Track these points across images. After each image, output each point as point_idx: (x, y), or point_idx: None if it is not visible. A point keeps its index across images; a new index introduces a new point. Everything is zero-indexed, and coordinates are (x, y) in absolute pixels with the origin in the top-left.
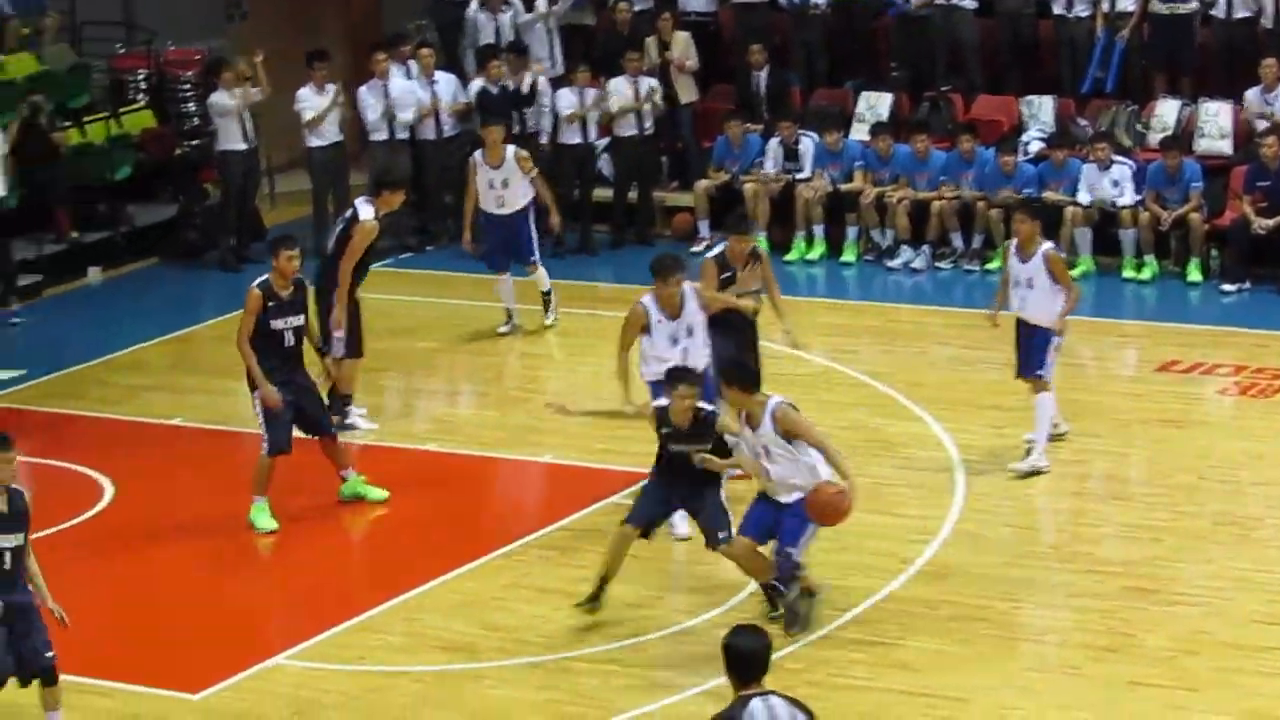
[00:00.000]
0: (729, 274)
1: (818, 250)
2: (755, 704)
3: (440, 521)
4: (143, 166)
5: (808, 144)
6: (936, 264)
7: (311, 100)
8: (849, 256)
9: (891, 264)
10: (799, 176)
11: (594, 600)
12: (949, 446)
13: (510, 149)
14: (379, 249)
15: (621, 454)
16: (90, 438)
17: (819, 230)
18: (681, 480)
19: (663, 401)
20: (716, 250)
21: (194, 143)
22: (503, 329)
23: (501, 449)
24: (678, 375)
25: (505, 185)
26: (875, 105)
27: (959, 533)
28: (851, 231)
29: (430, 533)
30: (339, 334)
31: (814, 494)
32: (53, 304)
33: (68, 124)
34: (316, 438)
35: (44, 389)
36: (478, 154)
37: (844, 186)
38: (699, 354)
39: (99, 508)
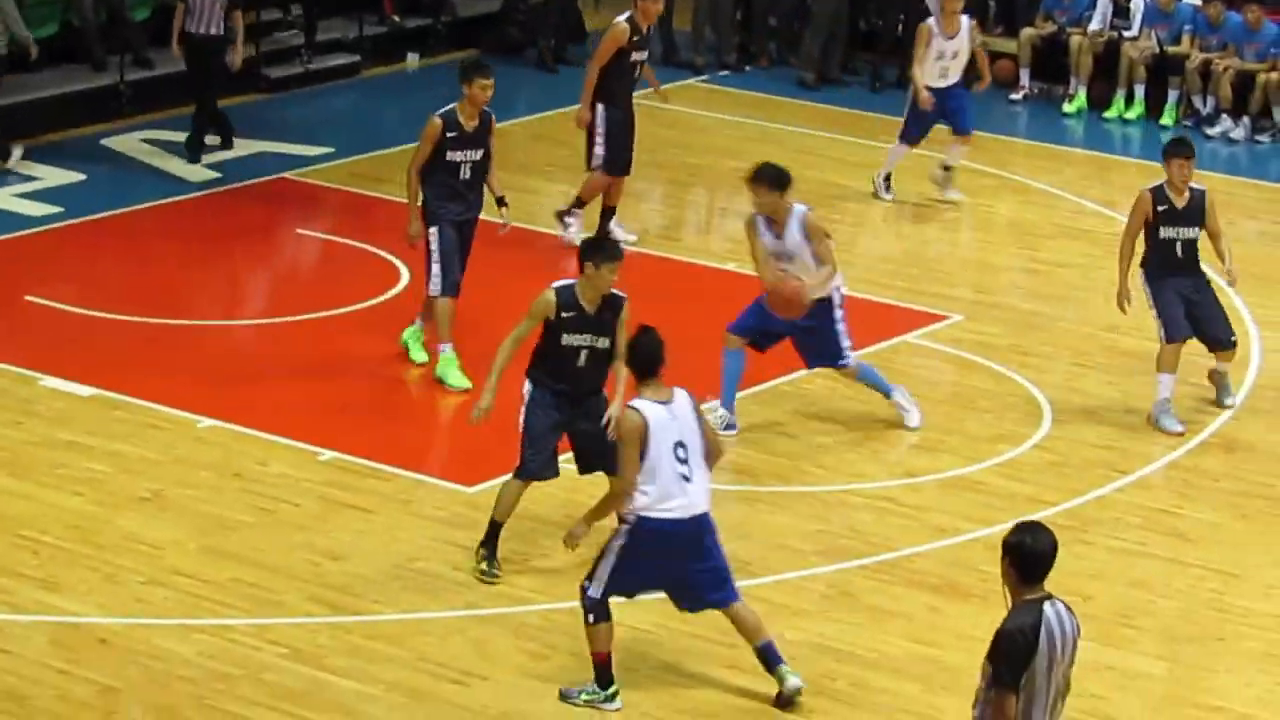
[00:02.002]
0: None
1: (1136, 110)
2: (1048, 609)
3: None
4: None
5: (1138, 2)
6: (1256, 137)
7: None
8: (1167, 120)
9: (1210, 132)
10: (1126, 34)
11: (491, 557)
12: (1247, 320)
13: (966, 20)
14: (630, 59)
15: (918, 294)
16: (392, 221)
17: (1140, 90)
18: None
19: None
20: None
21: None
22: (886, 196)
23: None
24: (601, 246)
25: (954, 57)
26: None
27: (1250, 408)
28: (1173, 95)
29: (716, 353)
30: (598, 145)
31: (779, 286)
32: (368, 85)
33: None
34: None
35: (350, 168)
36: (931, 21)
37: (1170, 49)
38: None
39: (394, 291)
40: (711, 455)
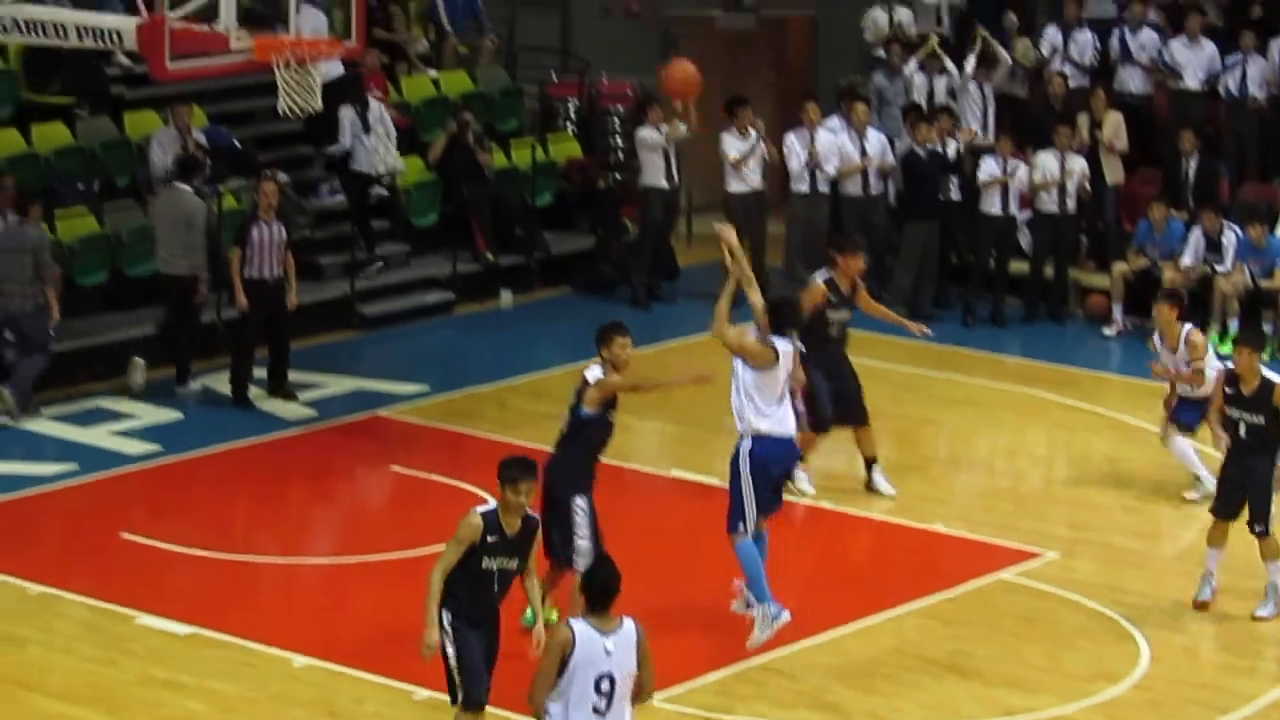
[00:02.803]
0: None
1: (1230, 344)
2: None
3: (825, 578)
4: (564, 195)
5: (1231, 236)
6: None
7: (734, 144)
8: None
9: None
10: (1219, 268)
11: None
12: None
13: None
14: (828, 318)
15: (1012, 530)
16: (486, 459)
17: (1234, 324)
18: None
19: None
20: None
21: (617, 176)
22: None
23: (893, 514)
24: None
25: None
26: None
27: None
28: (1267, 328)
29: (815, 588)
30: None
31: None
32: (462, 322)
33: (494, 145)
34: None
35: (444, 406)
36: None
37: (1264, 283)
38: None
39: None
40: (642, 694)
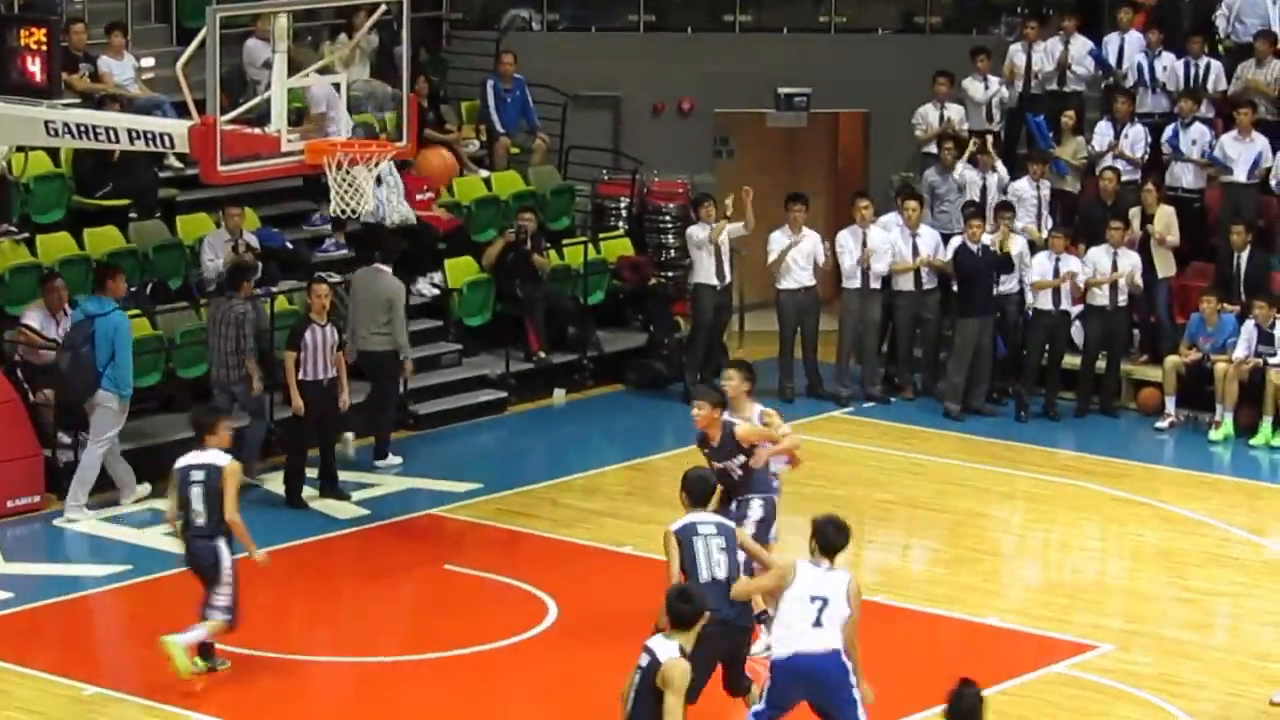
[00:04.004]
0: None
1: None
2: None
3: (878, 672)
4: (616, 293)
5: None
6: None
7: (781, 242)
8: None
9: None
10: (1272, 360)
11: None
12: None
13: None
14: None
15: (1066, 623)
16: (539, 557)
17: None
18: None
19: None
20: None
21: (670, 274)
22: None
23: (947, 606)
24: None
25: None
26: None
27: None
28: None
29: (872, 682)
30: None
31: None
32: (516, 421)
33: (548, 245)
34: None
35: (499, 504)
36: None
37: None
38: None
39: (541, 627)
40: None
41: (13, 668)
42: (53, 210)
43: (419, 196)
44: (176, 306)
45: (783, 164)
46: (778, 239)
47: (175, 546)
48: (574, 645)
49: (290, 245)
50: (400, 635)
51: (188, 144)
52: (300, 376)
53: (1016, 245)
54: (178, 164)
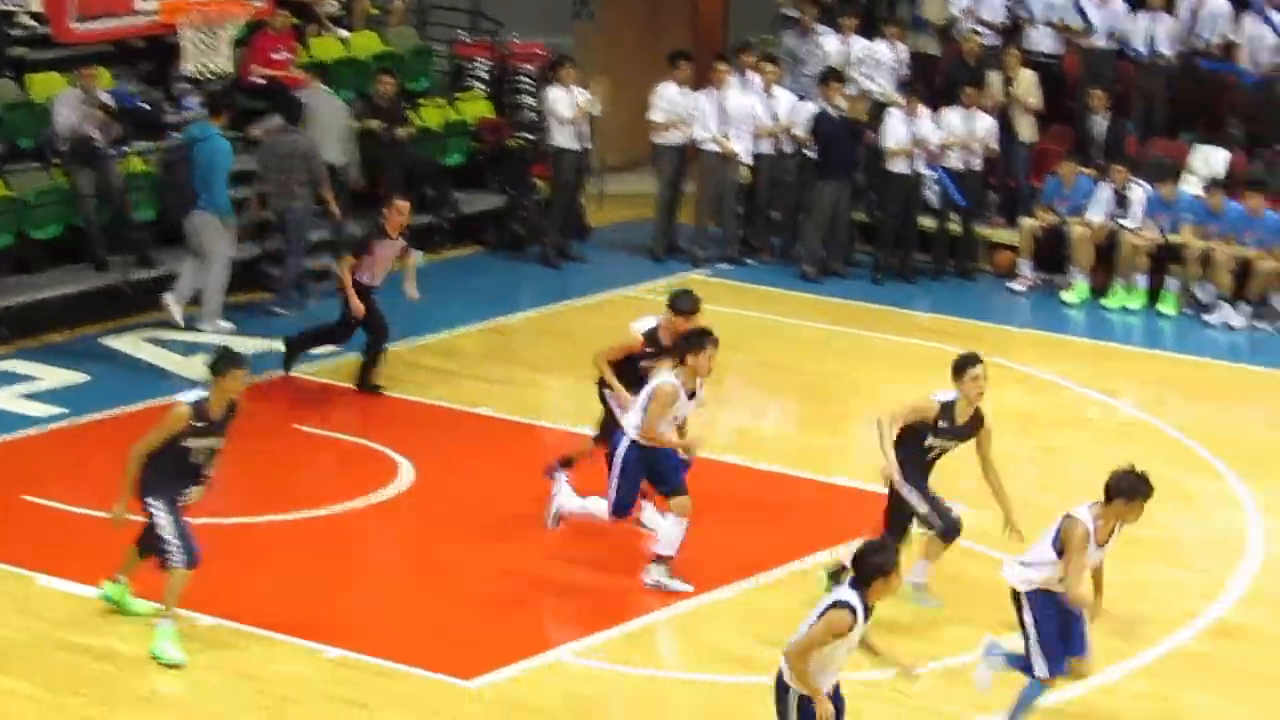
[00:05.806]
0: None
1: (1138, 299)
2: None
3: (731, 534)
4: (474, 155)
5: (1139, 192)
6: (1255, 323)
7: (671, 98)
8: (1168, 308)
9: (1209, 319)
10: (1126, 224)
11: None
12: (1248, 508)
13: None
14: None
15: None
16: (396, 419)
17: (1141, 279)
18: None
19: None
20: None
21: (528, 136)
22: None
23: (799, 467)
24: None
25: None
26: (1210, 160)
27: (1251, 593)
28: (1173, 283)
29: (720, 544)
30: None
31: None
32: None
33: (407, 105)
34: None
35: (354, 365)
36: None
37: (1171, 237)
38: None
39: (396, 489)
40: None
41: None
42: None
43: (274, 56)
44: (29, 167)
45: (643, 27)
46: (668, 94)
47: (28, 408)
48: (429, 505)
49: (146, 105)
50: (251, 496)
51: (41, 2)
52: (356, 278)
53: None
54: (31, 22)
